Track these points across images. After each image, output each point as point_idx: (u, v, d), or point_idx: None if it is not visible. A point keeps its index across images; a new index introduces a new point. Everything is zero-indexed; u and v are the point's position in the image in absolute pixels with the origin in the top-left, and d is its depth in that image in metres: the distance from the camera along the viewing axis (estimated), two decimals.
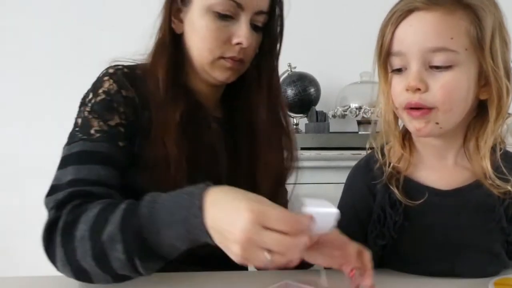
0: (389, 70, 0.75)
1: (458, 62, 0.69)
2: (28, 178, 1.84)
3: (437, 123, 0.71)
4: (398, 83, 0.73)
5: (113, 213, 0.62)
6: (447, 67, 0.69)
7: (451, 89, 0.69)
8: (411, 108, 0.71)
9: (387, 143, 0.82)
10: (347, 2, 1.92)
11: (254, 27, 0.82)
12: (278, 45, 0.89)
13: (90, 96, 0.79)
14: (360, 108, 1.71)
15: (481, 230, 0.76)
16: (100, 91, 0.79)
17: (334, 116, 1.77)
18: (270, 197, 0.78)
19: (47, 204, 0.70)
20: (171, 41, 0.83)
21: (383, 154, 0.81)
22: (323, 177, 1.54)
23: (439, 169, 0.79)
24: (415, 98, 0.70)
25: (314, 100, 1.84)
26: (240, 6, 0.79)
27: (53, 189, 0.71)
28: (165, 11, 0.84)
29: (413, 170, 0.79)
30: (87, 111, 0.77)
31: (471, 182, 0.77)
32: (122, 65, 0.84)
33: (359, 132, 1.75)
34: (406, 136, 0.81)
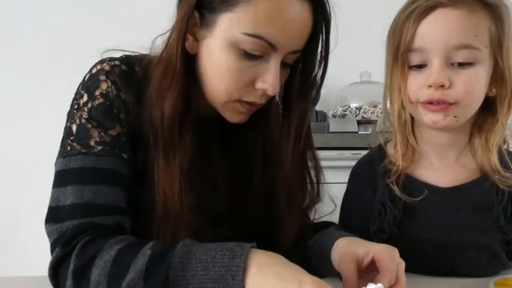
0: (406, 66, 0.75)
1: (479, 59, 0.70)
2: (28, 178, 1.84)
3: (455, 117, 0.72)
4: (417, 79, 0.73)
5: (135, 259, 0.56)
6: (469, 64, 0.70)
7: (473, 85, 0.71)
8: (429, 103, 0.72)
9: (389, 141, 0.83)
10: (347, 2, 1.91)
11: (283, 64, 0.69)
12: (315, 89, 0.77)
13: (85, 98, 0.69)
14: (360, 108, 1.70)
15: (479, 229, 0.76)
16: (97, 93, 0.68)
17: (334, 116, 1.76)
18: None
19: (49, 233, 0.64)
20: (182, 66, 0.68)
21: (387, 151, 0.82)
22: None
23: (440, 167, 0.79)
24: (437, 94, 0.71)
25: (314, 100, 1.83)
26: (273, 47, 0.65)
27: (53, 214, 0.65)
28: (179, 27, 0.67)
29: (414, 167, 0.80)
30: (84, 118, 0.67)
31: (470, 181, 0.77)
32: (119, 59, 0.72)
33: (359, 132, 1.75)
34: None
